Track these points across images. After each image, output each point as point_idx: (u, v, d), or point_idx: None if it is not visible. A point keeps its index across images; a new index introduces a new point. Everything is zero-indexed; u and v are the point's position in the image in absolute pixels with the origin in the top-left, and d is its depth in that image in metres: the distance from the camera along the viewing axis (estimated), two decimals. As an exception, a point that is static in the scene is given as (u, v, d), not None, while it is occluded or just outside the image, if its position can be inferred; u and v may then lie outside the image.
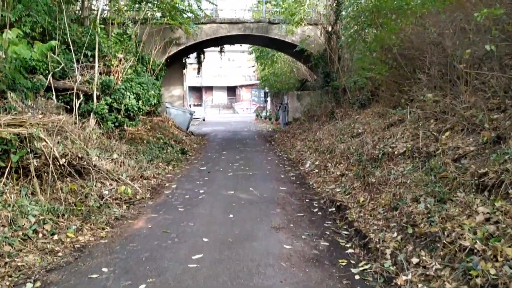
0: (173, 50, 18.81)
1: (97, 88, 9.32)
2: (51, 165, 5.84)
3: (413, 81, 8.51)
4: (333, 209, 6.58)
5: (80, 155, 6.66)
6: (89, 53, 9.46)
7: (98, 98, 9.46)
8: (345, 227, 5.71)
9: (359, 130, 9.94)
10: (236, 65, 56.56)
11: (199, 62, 24.51)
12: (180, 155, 12.76)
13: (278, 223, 5.85)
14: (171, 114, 19.43)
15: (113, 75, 9.71)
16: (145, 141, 11.91)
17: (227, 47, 28.74)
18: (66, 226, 5.26)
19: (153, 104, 11.25)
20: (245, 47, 46.45)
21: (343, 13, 13.96)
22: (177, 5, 15.33)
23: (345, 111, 13.51)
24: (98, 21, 9.31)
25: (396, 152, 7.03)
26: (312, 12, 16.51)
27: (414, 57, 8.46)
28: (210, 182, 8.79)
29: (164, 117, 17.60)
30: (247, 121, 35.32)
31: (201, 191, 7.86)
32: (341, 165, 8.82)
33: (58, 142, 6.37)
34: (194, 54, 26.07)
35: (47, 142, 6.09)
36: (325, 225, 5.85)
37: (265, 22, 19.14)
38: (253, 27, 19.24)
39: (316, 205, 6.91)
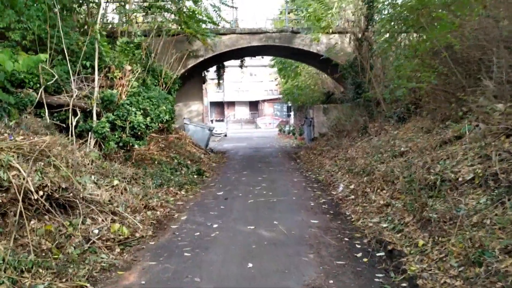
0: (191, 63, 17.72)
1: (97, 104, 8.14)
2: (20, 201, 4.57)
3: (471, 89, 6.99)
4: (383, 253, 5.08)
5: (64, 186, 5.40)
6: (89, 64, 8.31)
7: (99, 115, 8.28)
8: (403, 284, 4.22)
9: (402, 149, 8.41)
10: (257, 79, 55.69)
11: (219, 76, 23.37)
12: (195, 176, 11.47)
13: (313, 277, 4.39)
14: (189, 130, 18.27)
15: (117, 88, 8.54)
16: (156, 162, 10.68)
17: (248, 61, 27.63)
18: (30, 286, 3.95)
19: (164, 120, 10.01)
20: (266, 60, 45.51)
21: (376, 17, 12.55)
22: (195, 13, 14.26)
23: (380, 125, 11.98)
24: (98, 26, 8.16)
25: (460, 179, 5.50)
26: (339, 18, 15.15)
27: (472, 60, 6.95)
28: (226, 212, 7.41)
29: (181, 134, 16.42)
30: (270, 136, 33.99)
31: (215, 226, 6.47)
32: (384, 191, 7.32)
33: (35, 170, 5.13)
34: (214, 68, 24.98)
35: (20, 171, 4.86)
36: (376, 280, 4.37)
37: (288, 32, 17.88)
38: (275, 37, 17.99)
39: (359, 246, 5.43)
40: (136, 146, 9.00)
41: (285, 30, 17.99)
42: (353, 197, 8.20)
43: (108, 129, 8.08)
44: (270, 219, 6.80)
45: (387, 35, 11.18)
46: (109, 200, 6.41)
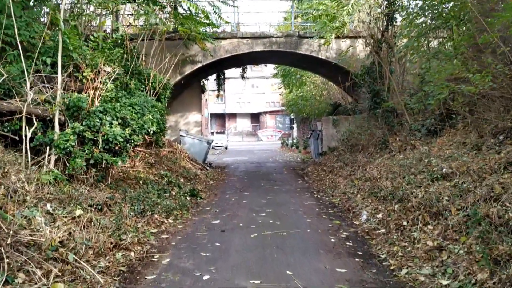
0: (188, 69, 16.14)
1: (60, 111, 6.46)
2: None
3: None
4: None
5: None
6: (50, 61, 6.65)
7: (63, 125, 6.60)
8: None
9: (444, 170, 6.69)
10: (259, 91, 54.45)
11: (219, 85, 21.74)
12: (188, 198, 9.76)
13: None
14: (186, 143, 16.60)
15: (88, 92, 6.87)
16: (141, 182, 8.96)
17: (249, 72, 26.09)
18: None
19: (150, 132, 8.32)
20: (268, 72, 44.23)
21: (397, 15, 10.93)
22: (192, 13, 12.69)
23: (404, 140, 10.27)
24: (62, 13, 6.49)
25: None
26: (353, 19, 13.56)
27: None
28: (222, 253, 5.66)
29: (175, 147, 14.72)
30: (272, 149, 32.28)
31: (206, 278, 4.72)
32: (430, 226, 5.58)
33: None
34: (214, 77, 23.38)
35: None
36: None
37: (295, 36, 16.31)
38: (280, 42, 16.41)
39: (415, 319, 3.69)
40: (114, 164, 7.28)
41: (291, 34, 16.43)
42: (383, 230, 6.46)
43: (74, 143, 6.38)
44: (281, 266, 5.05)
45: (413, 34, 9.53)
46: (61, 242, 4.69)
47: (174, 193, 9.65)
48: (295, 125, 40.45)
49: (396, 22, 11.41)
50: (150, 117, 8.29)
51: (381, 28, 11.68)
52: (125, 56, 8.94)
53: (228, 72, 24.30)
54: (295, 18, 19.15)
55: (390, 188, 7.76)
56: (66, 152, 6.33)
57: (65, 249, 4.58)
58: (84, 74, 6.92)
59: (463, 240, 4.68)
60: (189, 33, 12.06)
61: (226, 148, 34.98)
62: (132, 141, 7.67)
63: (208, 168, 16.22)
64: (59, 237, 4.75)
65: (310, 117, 27.81)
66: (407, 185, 7.23)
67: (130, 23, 14.86)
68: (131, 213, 6.92)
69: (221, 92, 26.35)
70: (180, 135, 17.00)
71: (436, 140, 8.90)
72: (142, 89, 9.61)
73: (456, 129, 8.78)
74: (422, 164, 7.73)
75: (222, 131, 51.25)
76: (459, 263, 4.37)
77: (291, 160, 22.31)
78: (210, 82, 30.88)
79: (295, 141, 32.44)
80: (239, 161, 21.99)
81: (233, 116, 56.45)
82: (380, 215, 7.16)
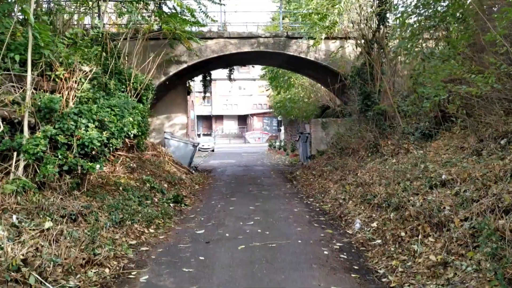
0: (173, 70, 15.60)
1: (30, 113, 5.92)
2: None
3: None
4: None
5: None
6: (19, 58, 6.09)
7: (34, 128, 6.05)
8: None
9: (443, 176, 6.31)
10: (246, 93, 54.02)
11: (205, 86, 21.19)
12: (172, 205, 9.25)
13: None
14: (170, 146, 16.04)
15: (62, 93, 6.33)
16: (121, 189, 8.42)
17: (236, 74, 25.63)
18: None
19: (131, 135, 7.80)
20: (256, 73, 43.73)
21: (389, 14, 10.58)
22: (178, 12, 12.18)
23: (396, 143, 9.92)
24: (32, 5, 5.94)
25: None
26: (343, 19, 13.18)
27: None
28: (206, 270, 5.16)
29: (159, 150, 14.17)
30: (259, 152, 31.82)
31: (188, 299, 4.26)
32: (431, 238, 5.19)
33: None
34: (200, 78, 22.80)
35: None
36: None
37: (283, 37, 15.91)
38: (268, 43, 15.98)
39: None
40: (91, 170, 6.73)
41: (279, 35, 16.02)
42: (380, 241, 6.06)
43: (46, 148, 5.84)
44: (271, 284, 4.60)
45: (406, 34, 9.18)
46: (24, 260, 4.16)
47: (156, 199, 9.15)
48: (282, 127, 40.12)
49: (388, 21, 11.06)
50: (131, 119, 7.77)
51: (373, 28, 11.32)
52: (104, 54, 8.38)
53: (215, 74, 23.79)
54: (283, 19, 18.75)
55: (384, 195, 7.38)
56: (37, 158, 5.79)
57: (28, 268, 4.05)
58: (57, 73, 6.39)
59: (470, 255, 4.28)
60: (174, 31, 11.54)
61: (213, 150, 34.43)
62: (111, 145, 7.15)
63: (193, 172, 15.70)
64: (23, 255, 4.23)
65: (298, 119, 27.47)
66: (403, 192, 6.85)
67: (114, 22, 14.31)
68: (109, 223, 6.40)
69: (208, 94, 25.78)
70: (165, 138, 16.45)
71: (431, 144, 8.56)
72: (122, 89, 9.06)
73: (452, 133, 8.44)
74: (418, 169, 7.37)
75: (209, 133, 50.60)
76: (468, 282, 3.96)
77: (279, 163, 21.89)
78: (197, 84, 30.32)
79: (282, 143, 32.07)
80: (226, 164, 21.49)
81: (220, 118, 55.89)
82: (374, 224, 6.76)
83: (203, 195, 11.39)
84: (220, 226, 7.50)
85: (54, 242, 4.93)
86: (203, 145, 34.01)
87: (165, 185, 10.80)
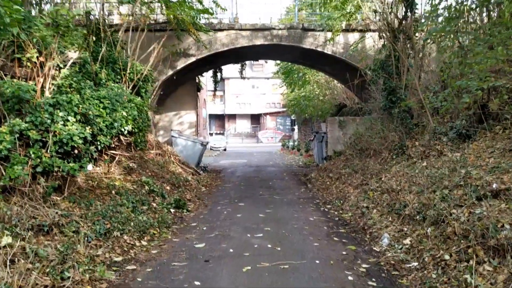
0: (180, 64, 14.66)
1: (-5, 103, 4.96)
2: None
3: None
4: None
5: None
6: (-18, 37, 5.16)
7: (0, 122, 5.08)
8: None
9: (495, 185, 5.17)
10: (260, 92, 52.91)
11: (215, 82, 20.18)
12: (172, 211, 8.25)
13: None
14: (178, 145, 15.08)
15: (35, 79, 5.37)
16: (113, 192, 7.44)
17: (249, 73, 24.62)
18: None
19: (125, 131, 6.80)
20: (269, 72, 42.63)
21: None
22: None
23: (427, 144, 8.75)
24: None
25: None
26: (363, 10, 12.04)
27: None
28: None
29: (164, 149, 13.19)
30: (272, 152, 30.73)
31: None
32: (487, 266, 4.06)
33: None
34: (211, 74, 21.80)
35: None
36: None
37: (299, 29, 14.84)
38: (282, 35, 14.92)
39: None
40: (72, 172, 5.75)
41: (295, 27, 14.94)
42: (416, 264, 4.94)
43: (12, 145, 4.86)
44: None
45: (440, 19, 8.02)
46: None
47: (155, 204, 8.15)
48: (296, 127, 39.00)
49: (416, 8, 9.88)
50: (124, 113, 6.80)
51: (400, 16, 10.13)
52: (94, 39, 7.39)
53: (228, 72, 22.87)
54: (299, 11, 17.63)
55: (417, 205, 6.26)
56: (0, 157, 4.81)
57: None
58: (27, 55, 5.41)
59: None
60: (177, 16, 10.52)
61: (225, 149, 33.49)
62: (99, 143, 6.16)
63: (201, 172, 14.70)
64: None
65: (312, 118, 26.33)
66: (441, 202, 5.72)
67: (120, 12, 13.41)
68: (91, 235, 5.41)
69: (220, 93, 24.88)
70: (172, 136, 15.49)
71: (470, 146, 7.40)
72: (117, 80, 8.08)
73: (494, 133, 7.28)
74: (458, 175, 6.21)
75: (222, 132, 49.77)
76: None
77: (292, 164, 20.78)
78: (209, 82, 29.42)
79: (296, 143, 30.93)
80: (237, 164, 20.48)
81: (232, 117, 54.94)
82: (407, 241, 5.65)
83: (209, 199, 10.37)
84: (224, 238, 6.45)
85: (12, 263, 3.94)
86: (214, 144, 33.11)
87: (167, 188, 9.82)
